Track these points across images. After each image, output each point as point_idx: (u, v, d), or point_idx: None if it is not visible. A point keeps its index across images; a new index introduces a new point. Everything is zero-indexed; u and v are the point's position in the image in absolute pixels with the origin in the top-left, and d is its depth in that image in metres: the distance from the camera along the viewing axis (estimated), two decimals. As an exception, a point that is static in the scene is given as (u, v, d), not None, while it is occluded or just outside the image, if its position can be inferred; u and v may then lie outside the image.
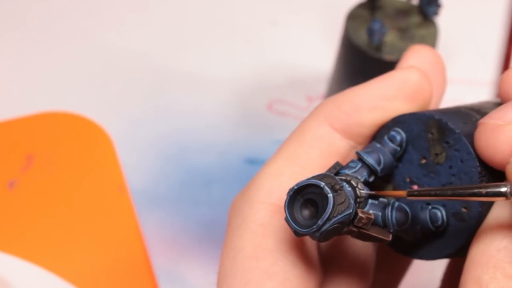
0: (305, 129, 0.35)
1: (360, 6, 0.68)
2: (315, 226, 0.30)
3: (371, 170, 0.34)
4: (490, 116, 0.32)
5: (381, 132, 0.36)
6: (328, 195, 0.30)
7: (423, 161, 0.34)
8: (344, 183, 0.32)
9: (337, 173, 0.33)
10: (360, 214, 0.31)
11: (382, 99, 0.35)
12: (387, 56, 0.66)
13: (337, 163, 0.33)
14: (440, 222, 0.33)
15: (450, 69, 0.78)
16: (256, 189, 0.34)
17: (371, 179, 0.34)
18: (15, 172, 0.66)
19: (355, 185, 0.32)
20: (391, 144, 0.35)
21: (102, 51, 0.78)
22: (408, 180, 0.35)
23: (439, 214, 0.33)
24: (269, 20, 0.82)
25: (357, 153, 0.34)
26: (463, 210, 0.32)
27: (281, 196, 0.33)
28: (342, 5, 0.72)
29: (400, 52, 0.66)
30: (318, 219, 0.30)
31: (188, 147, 0.70)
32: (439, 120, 0.33)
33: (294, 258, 0.33)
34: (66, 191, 0.65)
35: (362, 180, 0.33)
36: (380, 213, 0.33)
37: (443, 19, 0.72)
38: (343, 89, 0.70)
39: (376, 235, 0.32)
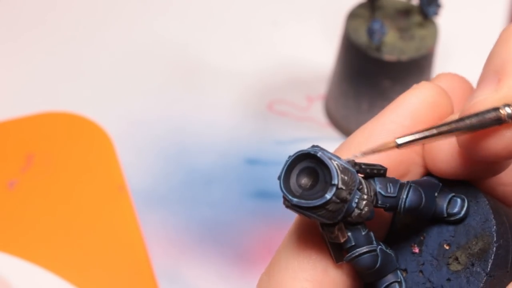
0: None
1: (360, 6, 0.68)
2: (289, 198, 0.28)
3: (396, 205, 0.30)
4: None
5: (446, 181, 0.31)
6: (325, 195, 0.27)
7: (446, 247, 0.30)
8: (358, 193, 0.29)
9: (369, 175, 0.29)
10: (336, 231, 0.29)
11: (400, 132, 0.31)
12: (387, 56, 0.66)
13: (380, 169, 0.29)
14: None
15: (450, 69, 0.78)
16: (281, 272, 0.31)
17: (389, 211, 0.30)
18: (15, 172, 0.66)
19: (361, 207, 0.29)
20: (445, 205, 0.30)
21: (101, 52, 0.78)
22: (422, 238, 0.31)
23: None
24: (269, 20, 0.82)
25: (408, 183, 0.30)
26: None
27: (311, 277, 0.30)
28: (342, 5, 0.72)
29: (400, 52, 0.66)
30: (300, 197, 0.28)
31: (188, 147, 0.70)
32: (492, 245, 0.29)
33: None
34: (66, 191, 0.65)
35: (377, 204, 0.30)
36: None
37: (443, 19, 0.72)
38: (343, 89, 0.70)
39: (329, 248, 0.30)
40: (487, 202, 0.30)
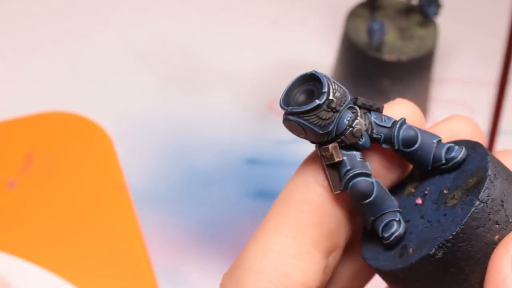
0: (291, 191, 0.32)
1: (360, 6, 0.68)
2: (285, 108, 0.29)
3: (390, 138, 0.31)
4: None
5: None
6: (316, 100, 0.29)
7: (445, 191, 0.31)
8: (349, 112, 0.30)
9: (365, 108, 0.31)
10: (330, 149, 0.30)
11: None
12: (387, 56, 0.66)
13: (376, 104, 0.31)
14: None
15: (450, 69, 0.78)
16: (245, 272, 0.31)
17: (385, 145, 0.31)
18: (15, 172, 0.66)
19: (353, 125, 0.30)
20: (443, 152, 0.31)
21: (102, 51, 0.78)
22: (426, 192, 0.32)
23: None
24: (269, 20, 0.82)
25: (402, 121, 0.31)
26: (410, 250, 0.30)
27: (273, 278, 0.31)
28: (342, 5, 0.72)
29: (400, 52, 0.66)
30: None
31: (188, 146, 0.70)
32: (485, 176, 0.30)
33: None
34: (66, 191, 0.65)
35: (372, 134, 0.31)
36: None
37: (443, 19, 0.72)
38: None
39: (327, 174, 0.30)
40: (484, 149, 0.31)
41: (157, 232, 0.64)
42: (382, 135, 0.31)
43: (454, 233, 0.29)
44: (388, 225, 0.31)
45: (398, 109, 0.33)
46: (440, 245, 0.29)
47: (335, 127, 0.29)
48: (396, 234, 0.30)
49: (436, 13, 0.67)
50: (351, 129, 0.30)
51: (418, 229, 0.31)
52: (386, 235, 0.31)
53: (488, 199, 0.29)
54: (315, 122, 0.29)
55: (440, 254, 0.29)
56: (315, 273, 0.31)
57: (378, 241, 0.31)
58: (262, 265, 0.31)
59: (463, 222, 0.29)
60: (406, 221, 0.31)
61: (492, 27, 0.80)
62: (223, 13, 0.83)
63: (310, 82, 0.30)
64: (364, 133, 0.30)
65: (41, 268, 0.60)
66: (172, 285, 0.61)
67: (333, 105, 0.29)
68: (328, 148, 0.30)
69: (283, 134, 0.71)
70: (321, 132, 0.29)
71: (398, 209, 0.31)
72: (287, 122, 0.30)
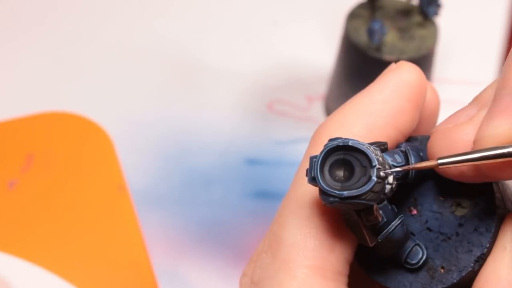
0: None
1: (360, 6, 0.68)
2: (337, 193, 0.28)
3: (407, 173, 0.31)
4: (442, 124, 0.31)
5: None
6: (373, 178, 0.27)
7: (442, 198, 0.31)
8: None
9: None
10: (375, 212, 0.29)
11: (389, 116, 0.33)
12: (387, 56, 0.66)
13: (384, 144, 0.31)
14: None
15: (450, 69, 0.78)
16: (289, 250, 0.31)
17: (399, 181, 0.31)
18: (15, 172, 0.66)
19: (391, 182, 0.29)
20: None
21: (101, 52, 0.78)
22: (412, 200, 0.32)
23: None
24: (269, 20, 0.82)
25: (406, 150, 0.31)
26: (440, 269, 0.31)
27: (319, 255, 0.31)
28: (342, 5, 0.72)
29: (400, 52, 0.66)
30: (345, 189, 0.28)
31: (188, 147, 0.70)
32: (491, 185, 0.30)
33: None
34: (66, 191, 0.65)
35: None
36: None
37: (443, 19, 0.72)
38: (343, 89, 0.70)
39: (365, 233, 0.30)
40: None
41: (157, 232, 0.64)
42: (400, 173, 0.30)
43: (488, 244, 0.29)
44: (412, 251, 0.31)
45: (402, 74, 0.33)
46: (477, 259, 0.30)
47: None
48: (424, 258, 0.31)
49: (436, 13, 0.67)
50: (390, 186, 0.29)
51: (434, 243, 0.31)
52: (413, 261, 0.31)
53: (499, 201, 0.30)
54: (371, 198, 0.28)
55: (477, 267, 0.30)
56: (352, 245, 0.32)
57: (392, 268, 0.32)
58: (304, 242, 0.31)
59: (493, 231, 0.30)
60: (411, 234, 0.32)
61: (491, 27, 0.80)
62: (223, 13, 0.83)
63: (336, 152, 0.28)
64: None
65: (41, 268, 0.60)
66: (172, 285, 0.61)
67: (382, 174, 0.28)
68: (372, 212, 0.29)
69: (283, 134, 0.72)
70: (376, 203, 0.28)
71: (410, 232, 0.31)
72: (340, 205, 0.28)
